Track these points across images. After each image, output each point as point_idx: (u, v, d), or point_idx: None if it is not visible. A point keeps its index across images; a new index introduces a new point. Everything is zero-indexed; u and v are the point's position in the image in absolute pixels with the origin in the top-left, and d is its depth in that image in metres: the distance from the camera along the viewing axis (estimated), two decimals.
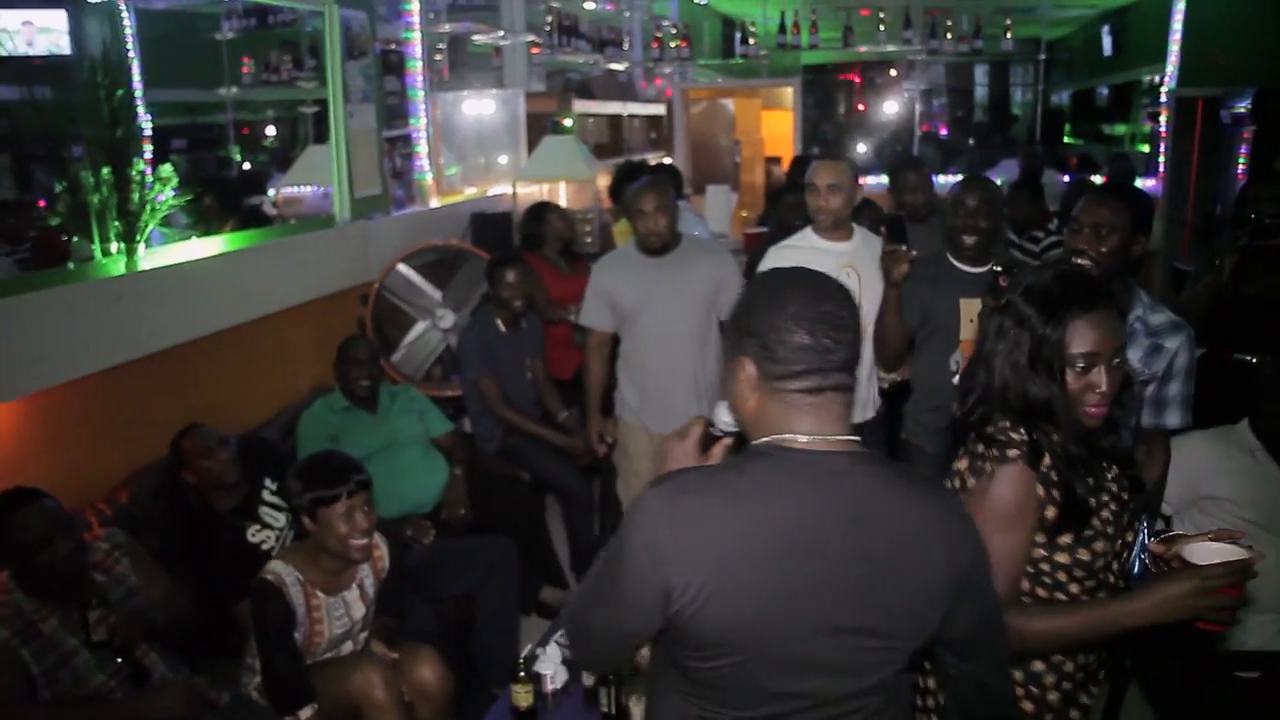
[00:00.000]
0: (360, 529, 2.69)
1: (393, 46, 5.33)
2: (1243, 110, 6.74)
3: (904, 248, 3.04)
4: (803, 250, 3.45)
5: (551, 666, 2.76)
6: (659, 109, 9.28)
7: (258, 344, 4.09)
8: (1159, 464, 2.65)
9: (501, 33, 6.60)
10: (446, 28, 6.09)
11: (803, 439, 1.41)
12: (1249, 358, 3.63)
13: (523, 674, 2.67)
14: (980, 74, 14.31)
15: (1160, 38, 7.45)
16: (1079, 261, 2.40)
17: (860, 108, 14.14)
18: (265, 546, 3.30)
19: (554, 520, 4.42)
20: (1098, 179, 6.39)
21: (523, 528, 4.04)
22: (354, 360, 3.85)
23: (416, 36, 5.46)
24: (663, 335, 3.62)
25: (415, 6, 5.42)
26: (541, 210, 4.93)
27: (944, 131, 14.22)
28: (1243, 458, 2.89)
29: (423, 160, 5.63)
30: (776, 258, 3.48)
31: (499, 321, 4.26)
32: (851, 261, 3.42)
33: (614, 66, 8.78)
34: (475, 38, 6.75)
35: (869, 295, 3.28)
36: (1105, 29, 10.85)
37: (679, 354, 3.65)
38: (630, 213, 3.62)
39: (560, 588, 4.09)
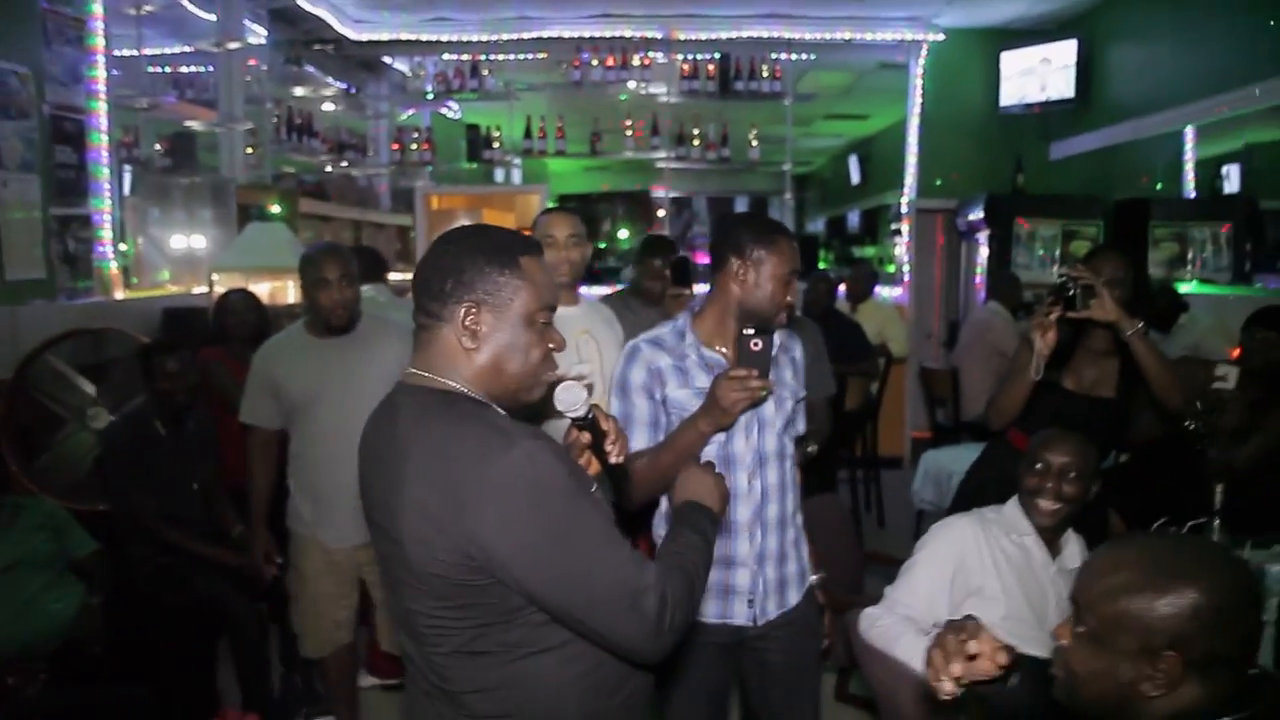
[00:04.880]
0: None
1: (70, 115, 4.66)
2: (977, 218, 7.11)
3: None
4: None
5: None
6: (406, 220, 8.83)
7: None
8: None
9: (215, 119, 6.03)
10: (144, 103, 5.44)
11: None
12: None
13: None
14: (741, 204, 14.75)
15: (901, 163, 7.91)
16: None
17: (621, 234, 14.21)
18: None
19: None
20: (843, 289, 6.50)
21: (178, 670, 3.33)
22: None
23: (102, 107, 4.81)
24: (339, 430, 2.93)
25: (100, 75, 4.79)
26: (224, 299, 4.30)
27: (702, 260, 14.41)
28: (1007, 544, 2.58)
29: (105, 246, 4.91)
30: None
31: (157, 422, 3.59)
32: (587, 326, 3.05)
33: (353, 172, 8.35)
34: (188, 123, 6.13)
35: (608, 359, 2.98)
36: (853, 159, 11.49)
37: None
38: (309, 283, 3.11)
39: None
